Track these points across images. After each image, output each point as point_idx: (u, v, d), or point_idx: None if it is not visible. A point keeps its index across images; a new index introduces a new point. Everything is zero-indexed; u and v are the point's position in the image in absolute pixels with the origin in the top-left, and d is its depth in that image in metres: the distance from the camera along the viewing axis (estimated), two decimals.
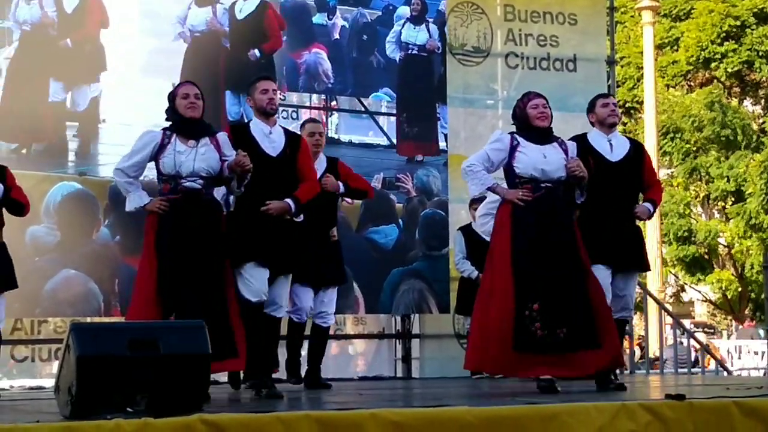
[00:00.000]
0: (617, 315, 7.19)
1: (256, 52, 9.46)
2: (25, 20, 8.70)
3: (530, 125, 6.84)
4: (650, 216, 7.40)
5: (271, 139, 6.71)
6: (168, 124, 6.64)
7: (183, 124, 6.54)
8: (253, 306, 6.53)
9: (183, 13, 9.25)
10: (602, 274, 7.04)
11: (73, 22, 8.88)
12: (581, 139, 7.14)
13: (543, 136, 6.83)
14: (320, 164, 7.74)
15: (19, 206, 7.17)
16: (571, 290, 6.67)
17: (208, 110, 9.13)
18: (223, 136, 6.63)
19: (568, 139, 7.02)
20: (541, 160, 6.73)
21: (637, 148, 7.38)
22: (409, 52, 10.20)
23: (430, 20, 10.30)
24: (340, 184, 7.83)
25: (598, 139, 7.23)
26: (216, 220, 6.54)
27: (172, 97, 6.64)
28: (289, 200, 6.61)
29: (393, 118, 10.10)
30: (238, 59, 9.34)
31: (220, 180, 6.56)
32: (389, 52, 10.13)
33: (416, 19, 10.25)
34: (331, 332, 9.88)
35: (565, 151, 6.85)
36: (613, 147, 7.23)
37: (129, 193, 6.59)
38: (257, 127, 6.75)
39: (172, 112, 6.62)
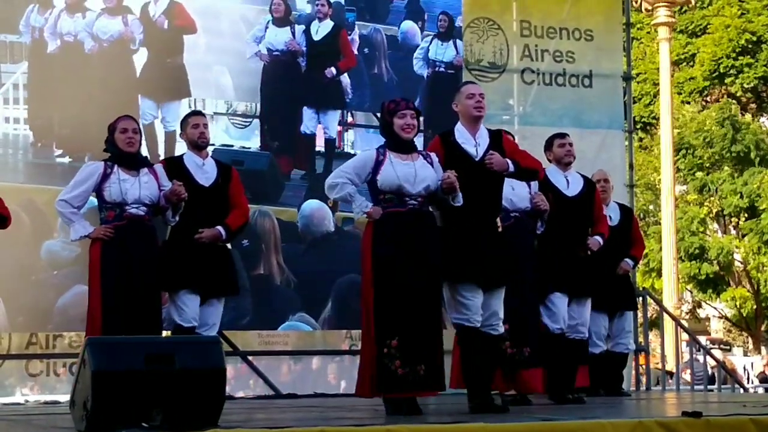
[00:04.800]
0: (571, 336, 7.71)
1: (333, 69, 9.89)
2: (110, 36, 9.02)
3: None
4: (600, 247, 7.90)
5: (204, 170, 7.15)
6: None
7: (122, 157, 6.87)
8: (184, 330, 6.89)
9: (260, 33, 9.63)
10: (560, 301, 7.57)
11: (162, 38, 9.21)
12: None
13: None
14: (482, 137, 6.57)
15: (0, 219, 7.09)
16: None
17: (286, 124, 9.62)
18: (159, 168, 7.05)
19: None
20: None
21: (589, 185, 7.95)
22: (437, 69, 10.23)
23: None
24: (509, 161, 6.47)
25: (555, 176, 7.77)
26: (156, 247, 6.96)
27: (111, 129, 6.95)
28: (219, 227, 7.04)
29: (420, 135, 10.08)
30: (313, 77, 9.82)
31: (158, 209, 6.92)
32: (417, 68, 10.20)
33: (443, 36, 10.27)
34: (345, 347, 9.86)
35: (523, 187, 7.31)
36: (569, 183, 7.80)
37: (73, 223, 6.89)
38: (191, 160, 7.15)
39: (110, 145, 6.94)
